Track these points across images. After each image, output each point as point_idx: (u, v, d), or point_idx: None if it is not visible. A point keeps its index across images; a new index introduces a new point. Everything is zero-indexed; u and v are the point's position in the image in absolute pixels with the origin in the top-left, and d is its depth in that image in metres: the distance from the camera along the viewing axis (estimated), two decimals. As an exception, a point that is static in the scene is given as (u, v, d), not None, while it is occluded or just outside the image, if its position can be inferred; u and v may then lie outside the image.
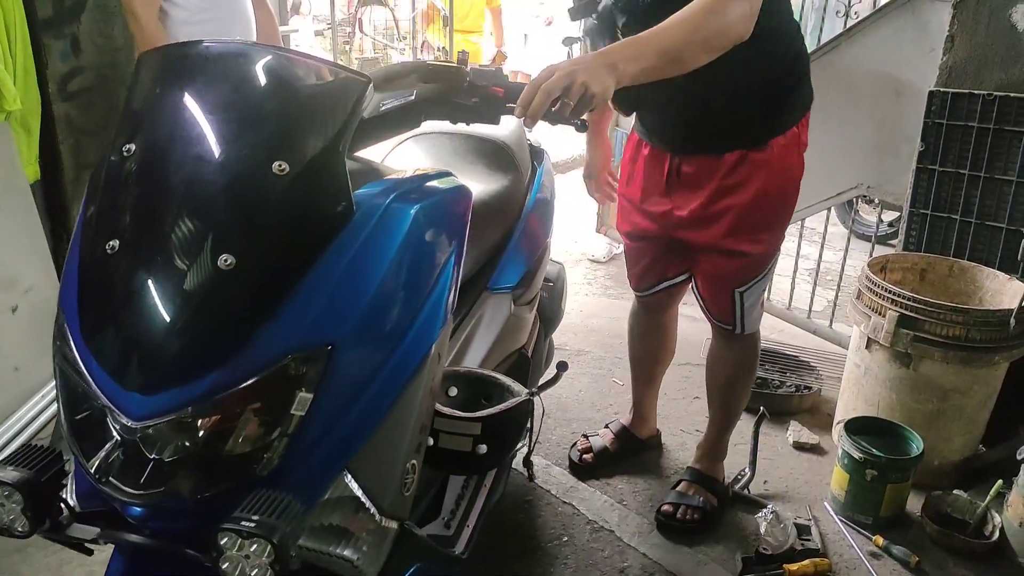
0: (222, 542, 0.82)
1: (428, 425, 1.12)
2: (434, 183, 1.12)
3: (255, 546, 0.81)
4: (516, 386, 1.35)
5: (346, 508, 0.97)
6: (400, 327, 1.00)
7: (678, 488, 2.02)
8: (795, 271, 3.15)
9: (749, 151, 1.67)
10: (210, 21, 2.33)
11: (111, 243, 0.91)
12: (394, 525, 1.03)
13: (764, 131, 1.68)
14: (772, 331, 3.14)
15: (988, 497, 1.94)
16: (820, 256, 3.08)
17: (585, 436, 2.27)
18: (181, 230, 0.90)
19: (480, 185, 1.74)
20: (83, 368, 0.90)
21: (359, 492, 0.97)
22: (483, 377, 1.40)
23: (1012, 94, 2.21)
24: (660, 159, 1.79)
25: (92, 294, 0.93)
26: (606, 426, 2.29)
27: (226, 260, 0.88)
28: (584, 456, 2.20)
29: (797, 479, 2.19)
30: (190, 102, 0.99)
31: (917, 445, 2.00)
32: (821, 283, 3.24)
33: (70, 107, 2.53)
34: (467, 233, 1.17)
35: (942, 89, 2.34)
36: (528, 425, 1.33)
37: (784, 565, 1.81)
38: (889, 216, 4.18)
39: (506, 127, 1.85)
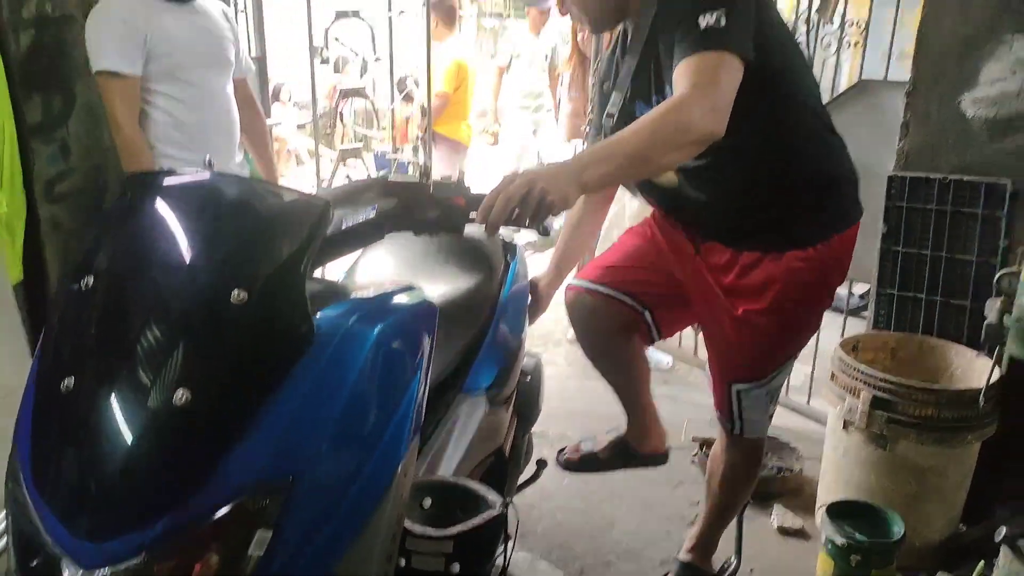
0: None
1: (396, 550, 1.09)
2: (398, 299, 1.11)
3: None
4: (491, 495, 1.32)
5: None
6: (364, 452, 0.98)
7: None
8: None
9: (764, 255, 1.62)
10: (194, 124, 2.39)
11: (66, 382, 0.90)
12: None
13: (778, 239, 1.61)
14: (753, 408, 3.16)
15: (971, 579, 1.94)
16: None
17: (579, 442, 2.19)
18: (136, 367, 0.89)
19: (451, 285, 1.74)
20: (34, 513, 0.88)
21: None
22: (457, 486, 1.36)
23: (966, 178, 2.30)
24: (684, 244, 1.76)
25: (44, 435, 0.91)
26: (607, 432, 2.17)
27: (181, 396, 0.86)
28: (570, 457, 2.13)
29: (783, 566, 2.19)
30: (149, 232, 0.99)
31: (899, 527, 2.01)
32: (798, 358, 3.27)
33: (57, 209, 2.57)
34: (432, 349, 1.15)
35: (900, 173, 2.44)
36: (503, 536, 1.30)
37: (773, 658, 1.79)
38: (860, 288, 4.25)
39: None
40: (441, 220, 1.27)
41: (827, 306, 1.75)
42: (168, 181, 1.07)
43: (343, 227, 1.16)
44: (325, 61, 3.64)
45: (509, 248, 2.02)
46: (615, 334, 1.93)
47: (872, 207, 2.57)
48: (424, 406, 1.13)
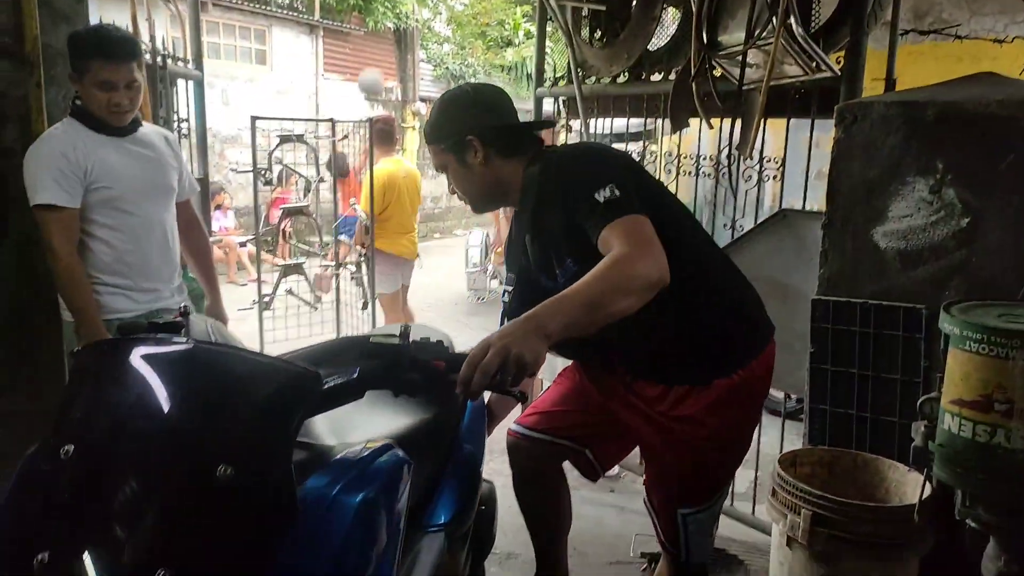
0: None
1: None
2: (377, 464, 1.16)
3: None
4: None
5: None
6: None
7: None
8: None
9: (693, 387, 1.75)
10: (133, 252, 2.41)
11: (41, 556, 0.88)
12: None
13: (704, 372, 1.74)
14: (698, 520, 3.21)
15: None
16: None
17: None
18: (113, 545, 0.88)
19: (409, 418, 1.77)
20: None
21: None
22: None
23: (884, 303, 2.48)
24: (614, 382, 1.87)
25: None
26: None
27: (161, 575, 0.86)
28: None
29: None
30: (132, 403, 0.99)
31: (847, 648, 2.06)
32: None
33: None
34: (407, 504, 1.21)
35: (823, 297, 2.61)
36: None
37: None
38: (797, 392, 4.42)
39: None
40: (420, 383, 1.30)
41: (757, 421, 1.87)
42: (154, 349, 1.07)
43: (325, 386, 1.19)
44: (268, 182, 3.73)
45: None
46: (551, 481, 2.07)
47: (800, 326, 2.74)
48: (399, 559, 1.18)
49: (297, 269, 3.96)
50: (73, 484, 0.94)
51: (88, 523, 0.91)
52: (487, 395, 2.09)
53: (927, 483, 2.14)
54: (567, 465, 2.16)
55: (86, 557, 0.88)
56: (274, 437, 0.99)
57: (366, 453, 1.18)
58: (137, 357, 1.06)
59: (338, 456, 1.17)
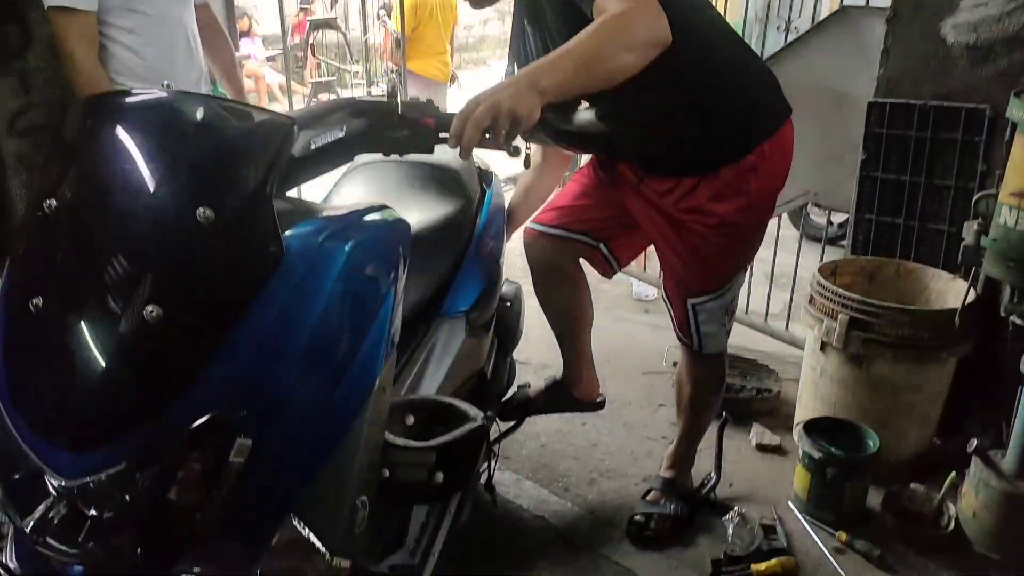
0: None
1: (377, 460, 1.12)
2: (369, 217, 1.12)
3: None
4: (472, 410, 1.33)
5: (296, 551, 0.95)
6: (339, 366, 0.99)
7: (648, 498, 2.07)
8: (751, 275, 3.24)
9: (702, 177, 1.68)
10: (156, 57, 2.31)
11: (35, 300, 0.89)
12: (347, 564, 1.00)
13: (707, 158, 1.67)
14: (733, 336, 3.22)
15: (943, 489, 2.02)
16: (774, 259, 3.17)
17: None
18: (105, 283, 0.89)
19: (427, 212, 1.75)
20: (12, 428, 0.88)
21: (308, 534, 0.95)
22: (438, 403, 1.38)
23: (945, 103, 2.31)
24: (626, 178, 1.82)
25: (17, 353, 0.91)
26: (543, 380, 2.29)
27: (152, 311, 0.86)
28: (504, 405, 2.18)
29: (761, 480, 2.26)
30: (110, 153, 0.97)
31: (874, 442, 2.08)
32: (776, 285, 3.34)
33: (21, 144, 2.50)
34: (406, 266, 1.16)
35: (880, 100, 2.45)
36: (485, 449, 1.32)
37: (752, 565, 1.87)
38: (838, 218, 4.31)
39: (452, 152, 1.84)
40: (410, 140, 1.27)
41: (770, 214, 1.80)
42: (128, 100, 1.05)
43: (312, 147, 1.15)
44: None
45: (485, 176, 2.05)
46: (568, 276, 2.02)
47: (852, 134, 2.60)
48: (399, 323, 1.14)
49: (328, 87, 3.82)
50: (60, 235, 0.94)
51: (78, 269, 0.91)
52: (509, 194, 2.09)
53: (972, 287, 2.08)
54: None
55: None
56: (254, 182, 0.96)
57: (356, 208, 1.13)
58: (115, 110, 1.03)
59: (326, 212, 1.13)
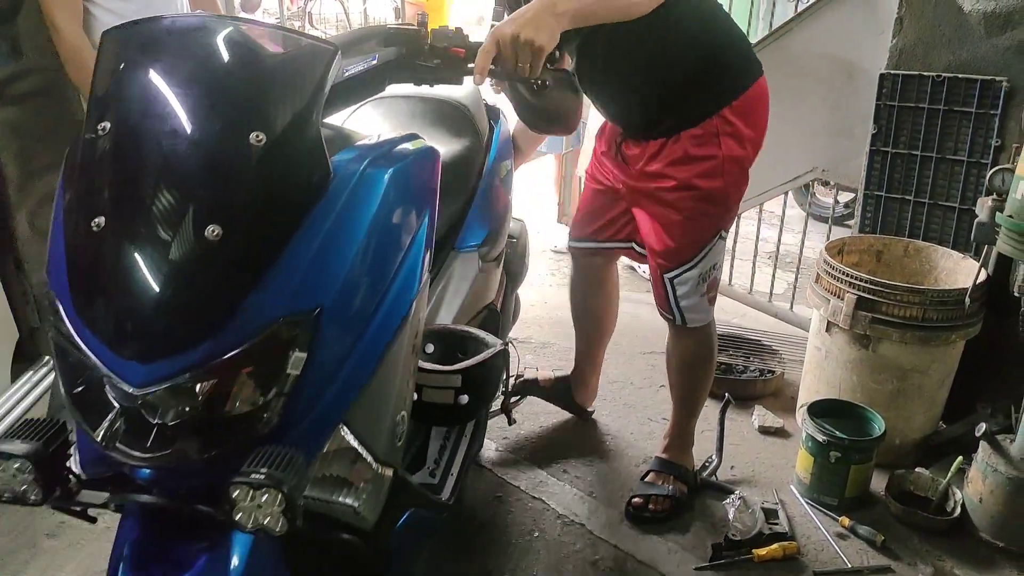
0: (234, 495, 0.86)
1: (413, 378, 1.19)
2: (404, 146, 1.15)
3: (266, 496, 0.86)
4: (490, 338, 1.42)
5: (344, 459, 1.04)
6: (382, 286, 1.05)
7: (646, 479, 2.04)
8: (755, 255, 3.18)
9: (667, 140, 1.71)
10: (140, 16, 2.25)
11: (96, 220, 0.92)
12: (389, 472, 1.11)
13: (668, 120, 1.70)
14: (734, 315, 3.17)
15: (949, 474, 1.97)
16: (779, 239, 3.10)
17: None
18: (165, 204, 0.92)
19: (440, 148, 1.78)
20: (79, 341, 0.92)
21: (355, 443, 1.03)
22: (458, 332, 1.46)
23: (960, 75, 2.24)
24: (614, 132, 1.89)
25: (82, 270, 0.94)
26: (553, 370, 2.40)
27: (213, 231, 0.90)
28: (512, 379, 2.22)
29: (763, 463, 2.21)
30: (161, 77, 0.99)
31: (879, 425, 2.03)
32: (781, 266, 3.28)
33: (14, 112, 2.43)
34: (438, 193, 1.21)
35: (892, 71, 2.37)
36: (505, 375, 1.41)
37: (753, 550, 1.83)
38: (845, 197, 4.24)
39: (462, 89, 1.93)
40: (441, 70, 1.30)
41: (744, 182, 1.78)
42: (171, 25, 1.06)
43: (345, 75, 1.17)
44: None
45: (493, 112, 2.10)
46: (605, 282, 2.16)
47: (862, 107, 2.53)
48: (433, 246, 1.20)
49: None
50: (116, 156, 0.96)
51: (137, 190, 0.94)
52: (512, 125, 2.15)
53: (983, 267, 2.02)
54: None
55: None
56: (302, 108, 0.99)
57: (393, 137, 1.17)
58: (159, 33, 1.05)
59: (363, 140, 1.17)
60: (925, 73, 2.30)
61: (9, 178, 2.45)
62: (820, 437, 1.98)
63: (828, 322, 2.19)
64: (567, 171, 3.86)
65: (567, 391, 2.36)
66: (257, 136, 0.94)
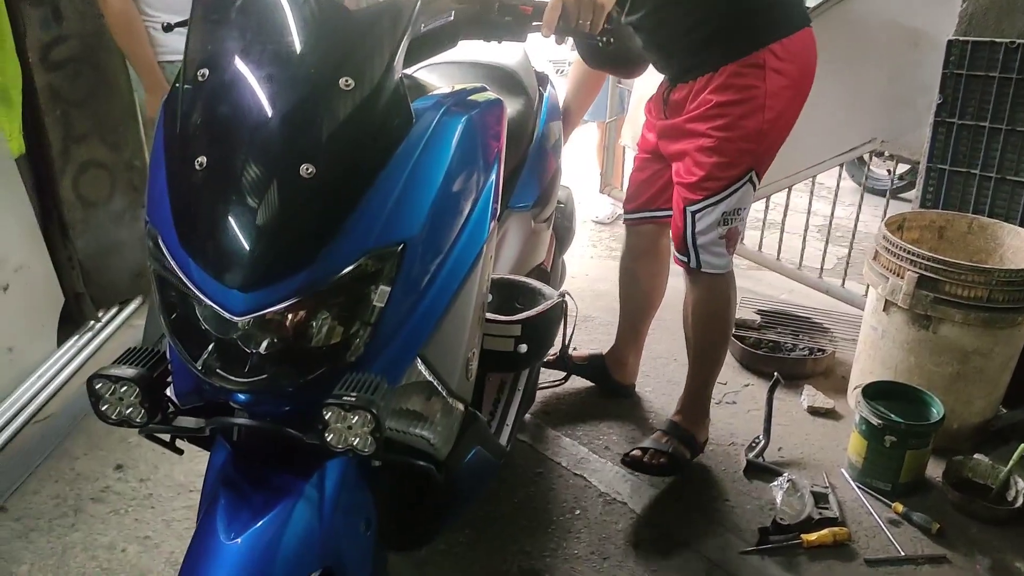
0: (327, 416, 0.92)
1: (483, 318, 1.25)
2: (475, 96, 1.21)
3: (356, 418, 0.92)
4: (547, 289, 1.47)
5: (420, 393, 1.11)
6: (458, 226, 1.10)
7: (653, 435, 2.01)
8: (806, 228, 3.07)
9: (712, 74, 1.74)
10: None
11: (199, 159, 0.96)
12: (460, 407, 1.17)
13: (713, 55, 1.73)
14: (782, 291, 3.08)
15: (1011, 462, 1.89)
16: (832, 212, 2.99)
17: None
18: (262, 144, 0.96)
19: None
20: (181, 273, 0.96)
21: (431, 377, 1.08)
22: (515, 283, 1.52)
23: (1037, 41, 2.11)
24: (661, 87, 1.93)
25: (186, 206, 0.98)
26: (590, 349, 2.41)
27: (308, 169, 0.94)
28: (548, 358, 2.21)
29: (812, 445, 2.14)
30: (254, 25, 1.04)
31: (937, 410, 1.95)
32: (832, 240, 3.17)
33: (55, 77, 2.43)
34: (505, 142, 1.25)
35: (962, 38, 2.24)
36: (563, 322, 1.48)
37: (802, 535, 1.77)
38: (901, 169, 4.08)
39: (512, 55, 2.01)
40: (511, 26, 1.35)
41: (783, 125, 1.77)
42: None
43: (422, 30, 1.24)
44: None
45: (541, 78, 2.14)
46: (658, 255, 2.15)
47: (925, 76, 2.41)
48: (500, 194, 1.24)
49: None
50: (214, 100, 1.00)
51: (235, 131, 0.98)
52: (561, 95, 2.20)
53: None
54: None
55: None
56: (384, 54, 1.03)
57: (464, 87, 1.23)
58: None
59: (438, 90, 1.22)
60: (997, 40, 2.17)
61: (52, 143, 2.45)
62: (875, 420, 1.90)
63: (886, 301, 2.10)
64: (610, 140, 3.76)
65: (603, 369, 2.33)
66: (346, 81, 0.98)
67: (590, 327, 2.77)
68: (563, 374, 2.34)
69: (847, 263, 2.93)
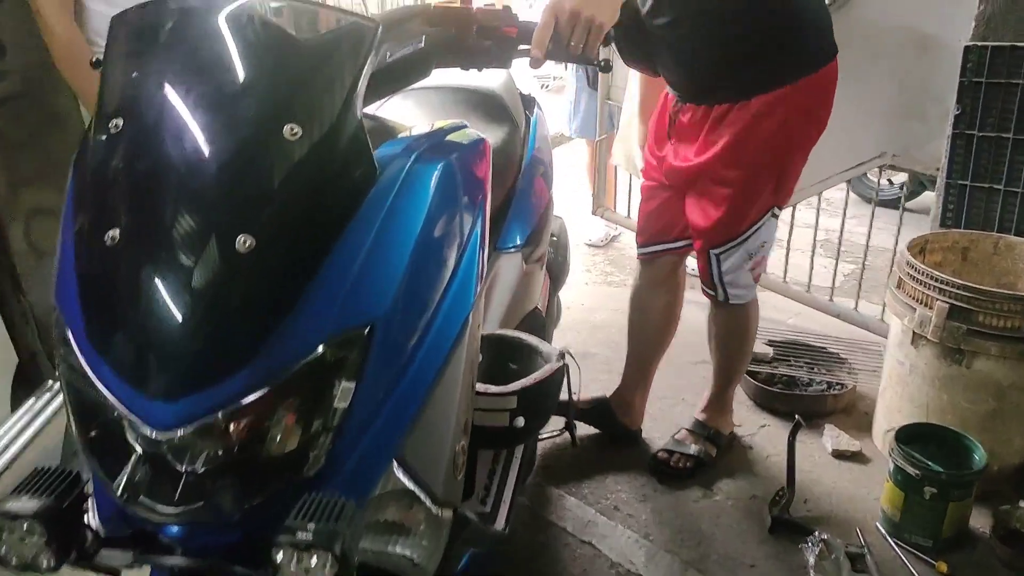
0: (278, 558, 0.73)
1: (473, 400, 1.05)
2: (453, 137, 1.03)
3: (315, 558, 0.72)
4: (545, 347, 1.29)
5: (399, 502, 0.92)
6: (437, 295, 0.92)
7: (678, 436, 2.06)
8: (814, 248, 2.90)
9: (733, 104, 1.64)
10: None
11: (110, 234, 0.79)
12: (449, 514, 0.98)
13: (745, 85, 1.63)
14: (789, 314, 2.91)
15: (1064, 511, 1.71)
16: (842, 230, 2.81)
17: None
18: (189, 212, 0.79)
19: None
20: (94, 377, 0.79)
21: (411, 483, 0.90)
22: (508, 339, 1.34)
23: (1063, 45, 1.95)
24: (666, 105, 1.83)
25: (96, 293, 0.81)
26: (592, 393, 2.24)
27: (245, 242, 0.77)
28: None
29: (841, 495, 1.96)
30: (180, 65, 0.87)
31: (979, 455, 1.77)
32: (835, 255, 2.99)
33: (-4, 117, 2.23)
34: (490, 184, 1.08)
35: (979, 43, 2.08)
36: (566, 389, 1.30)
37: (839, 604, 1.59)
38: (899, 178, 3.93)
39: (495, 77, 1.85)
40: (492, 51, 1.19)
41: (801, 159, 1.73)
42: (187, 5, 0.91)
43: (389, 59, 1.03)
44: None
45: (528, 102, 1.97)
46: (673, 288, 2.04)
47: (936, 84, 2.24)
48: (487, 247, 1.07)
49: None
50: (130, 157, 0.83)
51: (156, 196, 0.80)
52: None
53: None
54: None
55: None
56: (339, 94, 0.86)
57: (440, 127, 1.05)
58: (176, 16, 0.90)
59: (409, 131, 1.04)
60: (1019, 44, 2.01)
61: (-2, 194, 2.25)
62: (913, 471, 1.72)
63: (914, 333, 1.92)
64: (601, 159, 3.59)
65: (608, 413, 2.16)
66: (292, 129, 0.82)
67: (591, 366, 2.57)
68: (564, 420, 2.15)
69: (859, 284, 2.75)
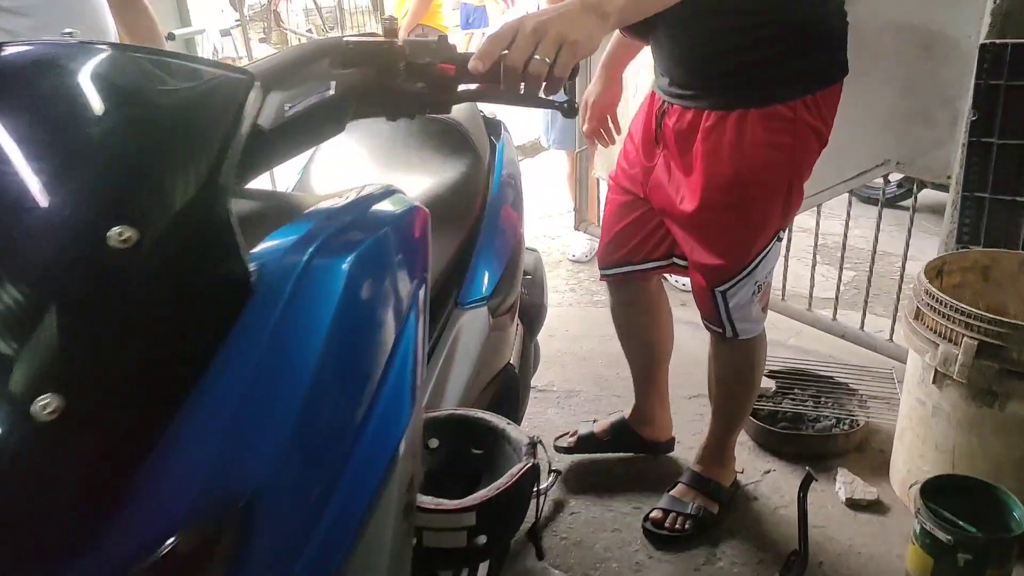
0: None
1: (411, 532, 0.84)
2: (374, 210, 0.78)
3: None
4: (513, 430, 1.08)
5: None
6: (349, 434, 0.68)
7: (673, 491, 1.84)
8: (815, 263, 2.69)
9: (725, 115, 1.46)
10: (43, 28, 1.80)
11: None
12: None
13: (736, 96, 1.46)
14: (790, 334, 2.70)
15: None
16: (844, 241, 2.60)
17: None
18: None
19: (432, 177, 1.47)
20: None
21: None
22: (471, 420, 1.13)
23: (1092, 42, 1.74)
24: (651, 106, 1.65)
25: None
26: (608, 415, 2.10)
27: (47, 406, 0.55)
28: (568, 438, 2.06)
29: (860, 555, 1.74)
30: None
31: (1020, 512, 1.56)
32: (834, 263, 2.78)
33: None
34: (428, 268, 0.84)
35: (997, 41, 1.87)
36: (536, 491, 1.05)
37: None
38: (896, 176, 3.72)
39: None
40: (425, 95, 0.94)
41: (807, 177, 1.55)
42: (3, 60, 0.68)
43: (287, 115, 0.77)
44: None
45: (493, 126, 1.74)
46: (649, 307, 1.91)
47: (943, 86, 2.04)
48: (426, 347, 0.84)
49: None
50: None
51: None
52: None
53: None
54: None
55: None
56: (197, 176, 0.64)
57: (351, 199, 0.78)
58: None
59: (312, 207, 0.76)
60: (1041, 41, 1.80)
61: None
62: (944, 536, 1.51)
63: (936, 371, 1.71)
64: (582, 171, 3.37)
65: (629, 432, 2.04)
66: (121, 233, 0.59)
67: (575, 404, 2.36)
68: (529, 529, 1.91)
69: (865, 300, 2.55)
